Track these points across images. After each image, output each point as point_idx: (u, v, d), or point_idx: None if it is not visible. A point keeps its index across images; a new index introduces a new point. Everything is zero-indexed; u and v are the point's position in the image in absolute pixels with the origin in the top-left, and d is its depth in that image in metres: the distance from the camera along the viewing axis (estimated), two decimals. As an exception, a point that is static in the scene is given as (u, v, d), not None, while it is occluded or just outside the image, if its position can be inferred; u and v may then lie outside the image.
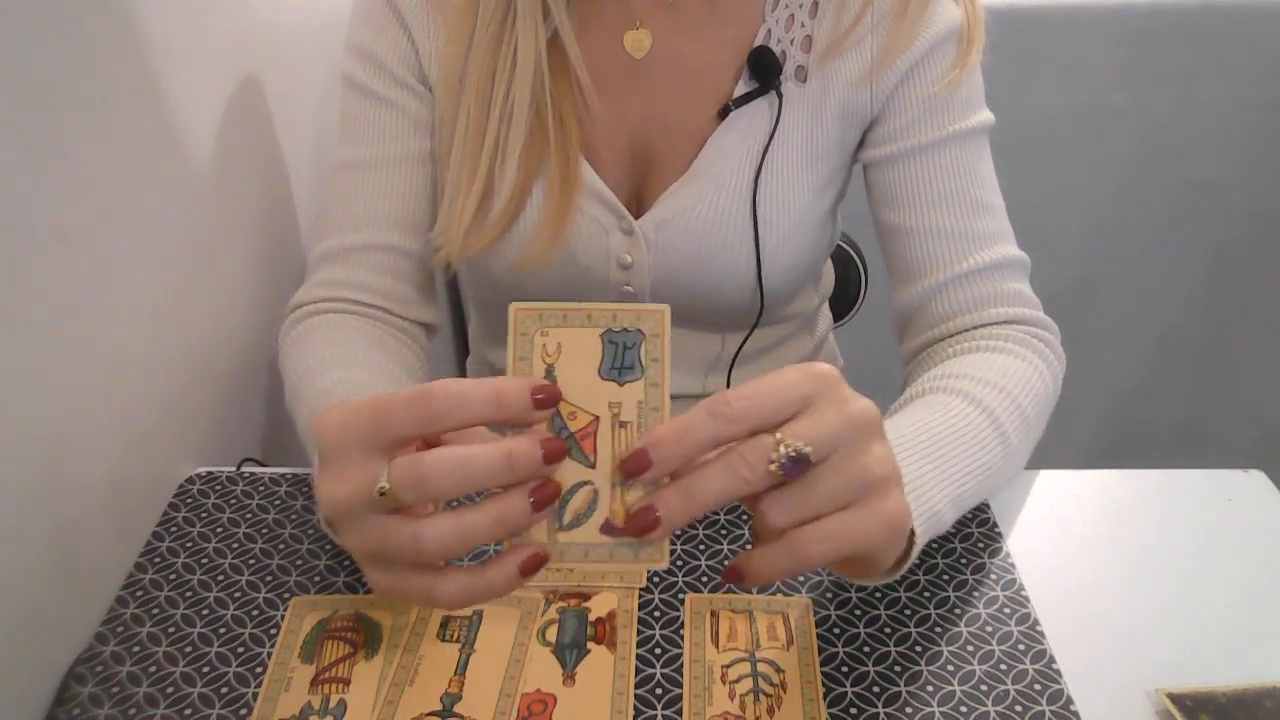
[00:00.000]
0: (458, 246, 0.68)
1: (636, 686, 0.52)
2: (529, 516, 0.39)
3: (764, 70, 0.67)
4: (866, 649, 0.54)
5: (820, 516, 0.40)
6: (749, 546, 0.60)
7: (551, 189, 0.67)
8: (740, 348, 0.77)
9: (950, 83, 0.67)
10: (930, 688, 0.52)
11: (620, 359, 0.40)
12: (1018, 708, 0.51)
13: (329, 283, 0.70)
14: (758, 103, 0.68)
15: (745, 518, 0.62)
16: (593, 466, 0.40)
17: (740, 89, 0.68)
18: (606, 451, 0.40)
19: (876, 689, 0.52)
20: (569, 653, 0.53)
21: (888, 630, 0.55)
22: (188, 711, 0.51)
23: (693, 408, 0.39)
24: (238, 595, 0.57)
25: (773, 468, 0.38)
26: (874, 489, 0.41)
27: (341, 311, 0.69)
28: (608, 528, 0.41)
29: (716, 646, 0.54)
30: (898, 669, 0.53)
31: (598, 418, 0.40)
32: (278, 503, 0.64)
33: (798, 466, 0.39)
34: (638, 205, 0.70)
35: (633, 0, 0.67)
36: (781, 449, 0.38)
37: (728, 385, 0.77)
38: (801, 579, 0.58)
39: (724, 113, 0.68)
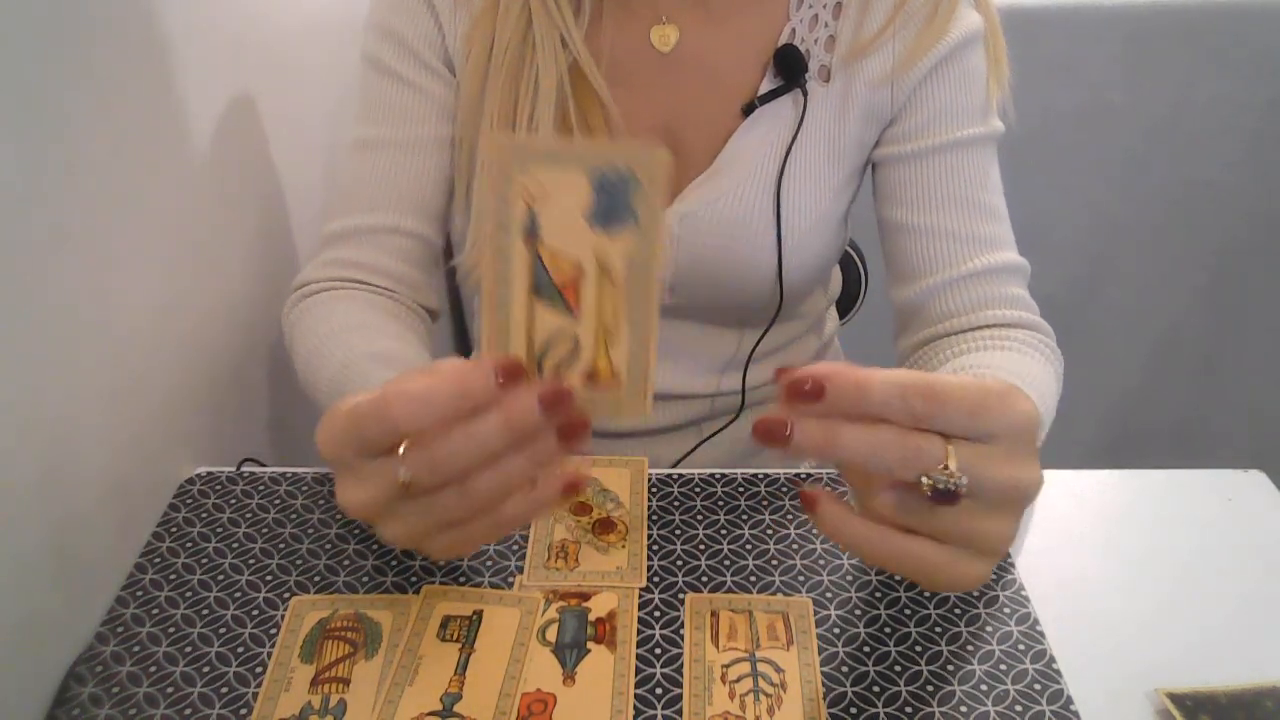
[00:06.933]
0: None
1: (636, 686, 0.52)
2: (559, 450, 0.39)
3: (790, 68, 0.67)
4: (866, 649, 0.54)
5: (924, 533, 0.39)
6: (748, 548, 0.60)
7: None
8: (756, 345, 0.77)
9: (987, 93, 0.68)
10: (930, 688, 0.52)
11: (610, 205, 0.36)
12: (1018, 708, 0.51)
13: (338, 262, 0.71)
14: (782, 100, 0.68)
15: (745, 518, 0.63)
16: (575, 317, 0.38)
17: (765, 86, 0.69)
18: (590, 303, 0.38)
19: (876, 689, 0.52)
20: (569, 652, 0.53)
21: (888, 630, 0.55)
22: (188, 711, 0.50)
23: (889, 375, 0.37)
24: (238, 595, 0.57)
25: (925, 482, 0.37)
26: (983, 552, 0.40)
27: (350, 290, 0.70)
28: (588, 379, 0.39)
29: (716, 646, 0.54)
30: (898, 669, 0.53)
31: (582, 266, 0.37)
32: (278, 503, 0.64)
33: (945, 499, 0.37)
34: None
35: None
36: (944, 476, 0.37)
37: (743, 384, 0.78)
38: (801, 579, 0.58)
39: (749, 109, 0.68)
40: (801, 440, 0.38)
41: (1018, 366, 0.61)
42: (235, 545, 0.61)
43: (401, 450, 0.40)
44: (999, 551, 0.41)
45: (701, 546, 0.61)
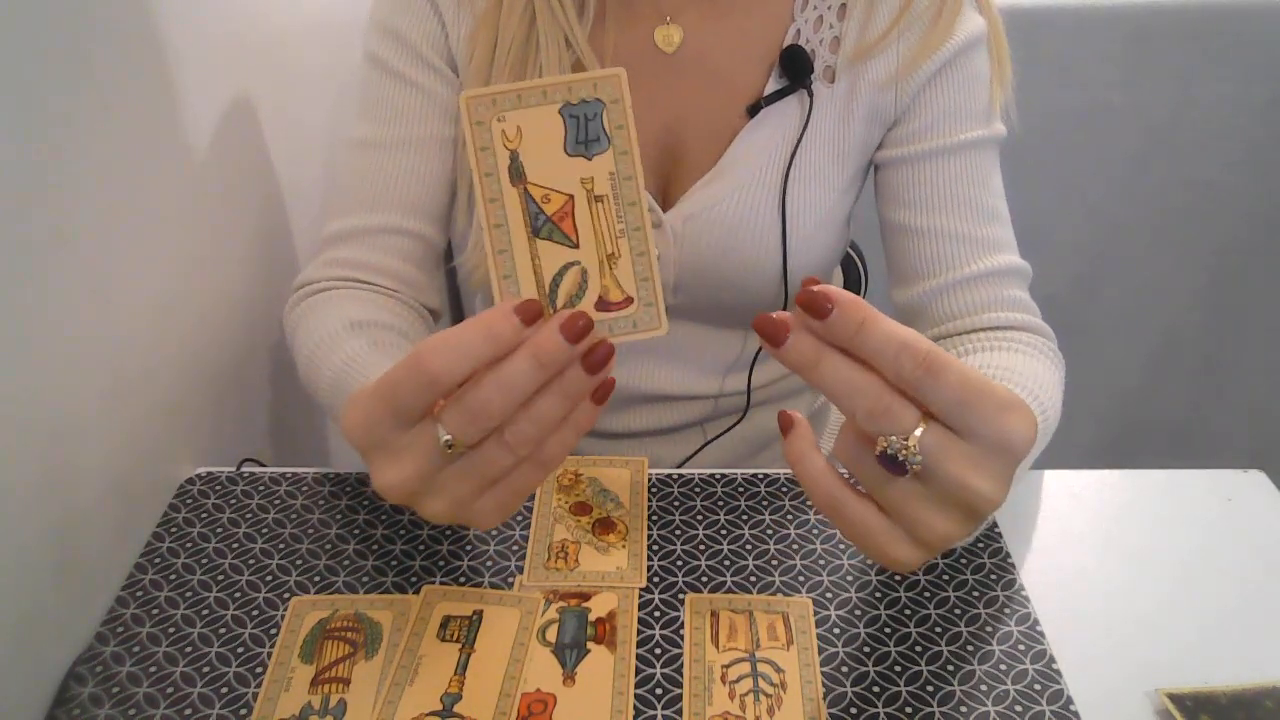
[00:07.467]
0: None
1: (636, 686, 0.52)
2: (590, 382, 0.39)
3: (796, 69, 0.67)
4: (866, 649, 0.54)
5: (874, 498, 0.40)
6: (748, 548, 0.60)
7: None
8: (760, 346, 0.77)
9: (989, 96, 0.69)
10: (930, 688, 0.52)
11: (584, 132, 0.39)
12: (1018, 708, 0.51)
13: (340, 262, 0.70)
14: (787, 101, 0.68)
15: (745, 518, 0.63)
16: (576, 246, 0.39)
17: (771, 86, 0.68)
18: (587, 229, 0.39)
19: (876, 689, 0.52)
20: (569, 653, 0.53)
21: (888, 630, 0.55)
22: (188, 711, 0.51)
23: (895, 329, 0.36)
24: (238, 595, 0.57)
25: (881, 443, 0.37)
26: (919, 541, 0.40)
27: (352, 289, 0.70)
28: (602, 305, 0.40)
29: (716, 646, 0.54)
30: (898, 669, 0.53)
31: (572, 196, 0.39)
32: (278, 503, 0.64)
33: (892, 466, 0.37)
34: (664, 199, 0.71)
35: None
36: (901, 444, 0.37)
37: (748, 385, 0.78)
38: (801, 579, 0.58)
39: (754, 110, 0.68)
40: (791, 351, 0.38)
41: (1024, 367, 0.61)
42: (235, 545, 0.61)
43: (438, 411, 0.40)
44: (934, 546, 0.40)
45: (701, 547, 0.61)
